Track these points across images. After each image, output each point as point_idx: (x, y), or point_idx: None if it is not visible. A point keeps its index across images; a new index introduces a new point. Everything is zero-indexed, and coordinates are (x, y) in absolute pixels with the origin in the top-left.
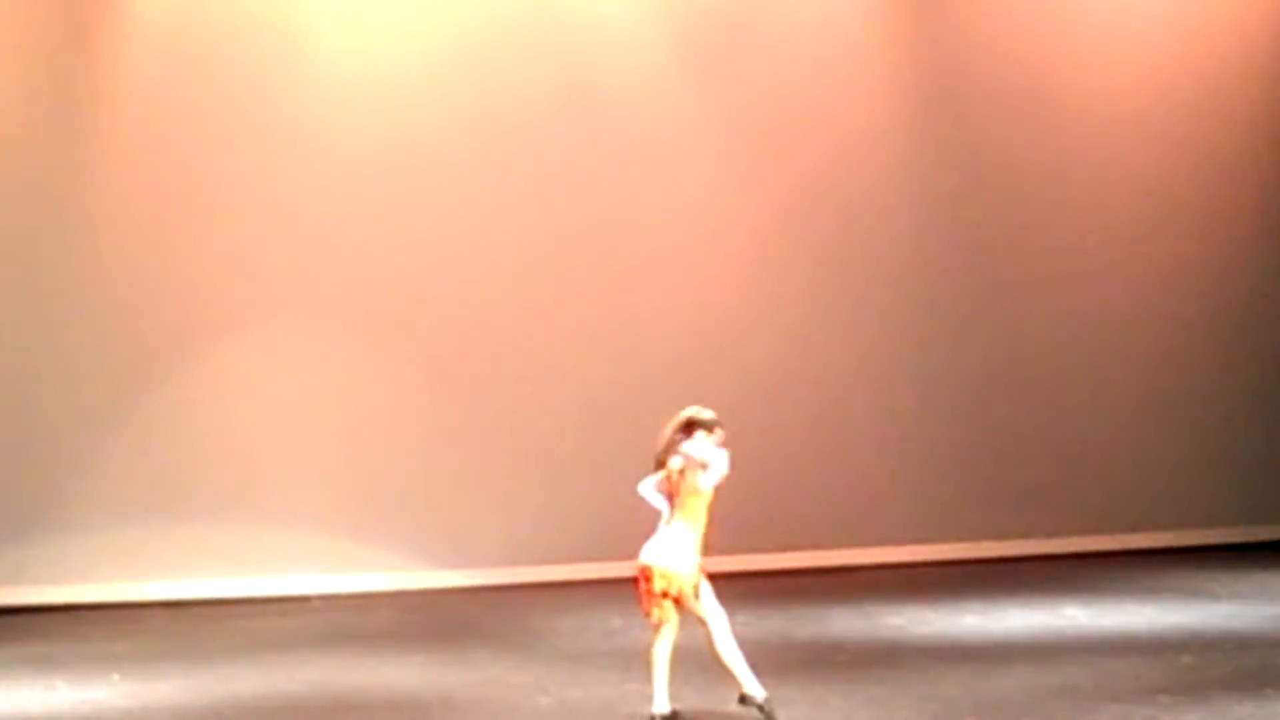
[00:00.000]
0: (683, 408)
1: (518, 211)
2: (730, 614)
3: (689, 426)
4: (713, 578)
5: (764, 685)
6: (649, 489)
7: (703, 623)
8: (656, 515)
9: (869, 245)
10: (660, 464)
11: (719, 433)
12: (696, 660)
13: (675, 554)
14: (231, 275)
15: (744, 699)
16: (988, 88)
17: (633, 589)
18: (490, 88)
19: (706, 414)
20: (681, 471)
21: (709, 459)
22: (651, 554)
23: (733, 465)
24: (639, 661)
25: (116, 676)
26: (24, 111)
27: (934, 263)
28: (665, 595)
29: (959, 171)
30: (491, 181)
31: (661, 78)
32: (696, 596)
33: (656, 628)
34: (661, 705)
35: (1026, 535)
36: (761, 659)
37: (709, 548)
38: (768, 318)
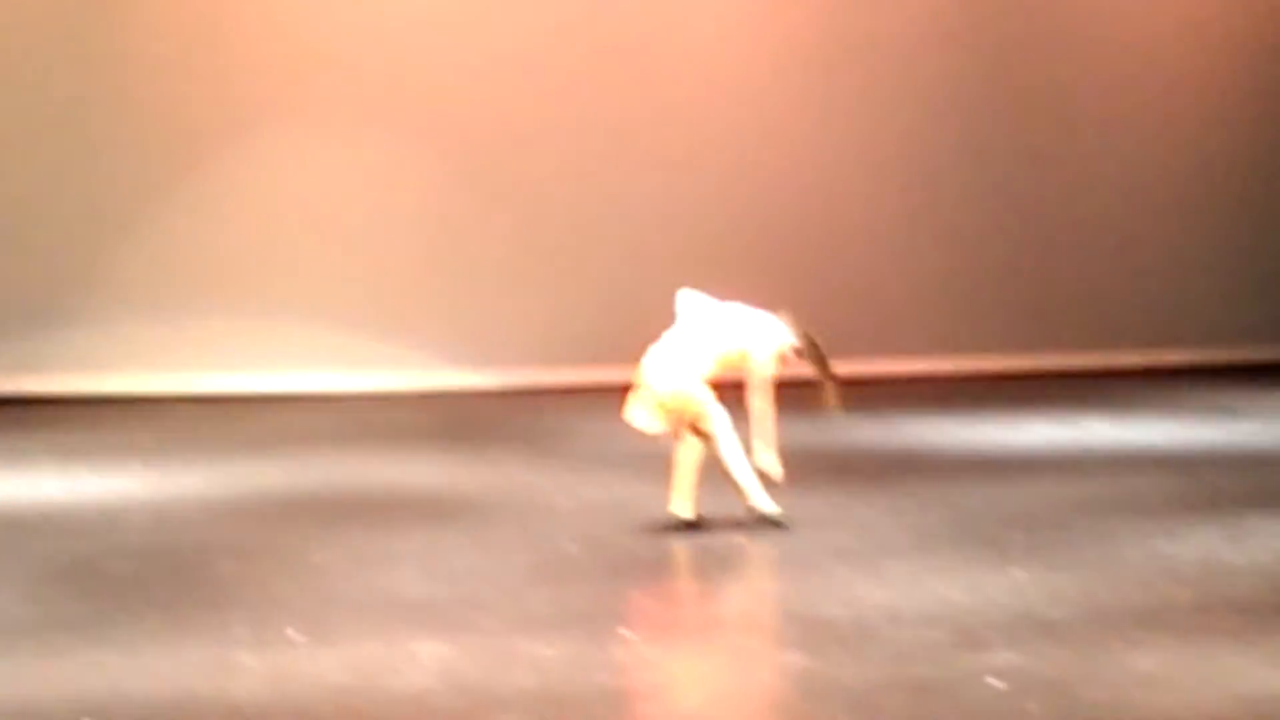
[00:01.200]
0: (706, 213)
1: (540, 8)
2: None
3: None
4: (737, 386)
5: (786, 493)
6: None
7: (709, 439)
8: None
9: (894, 56)
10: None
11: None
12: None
13: (680, 373)
14: (255, 72)
15: (751, 511)
16: None
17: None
18: None
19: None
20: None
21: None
22: (654, 373)
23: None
24: (659, 464)
25: (140, 467)
26: None
27: (960, 74)
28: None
29: None
30: None
31: None
32: (702, 421)
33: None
34: (682, 509)
35: (1051, 349)
36: (784, 467)
37: None
38: (792, 126)
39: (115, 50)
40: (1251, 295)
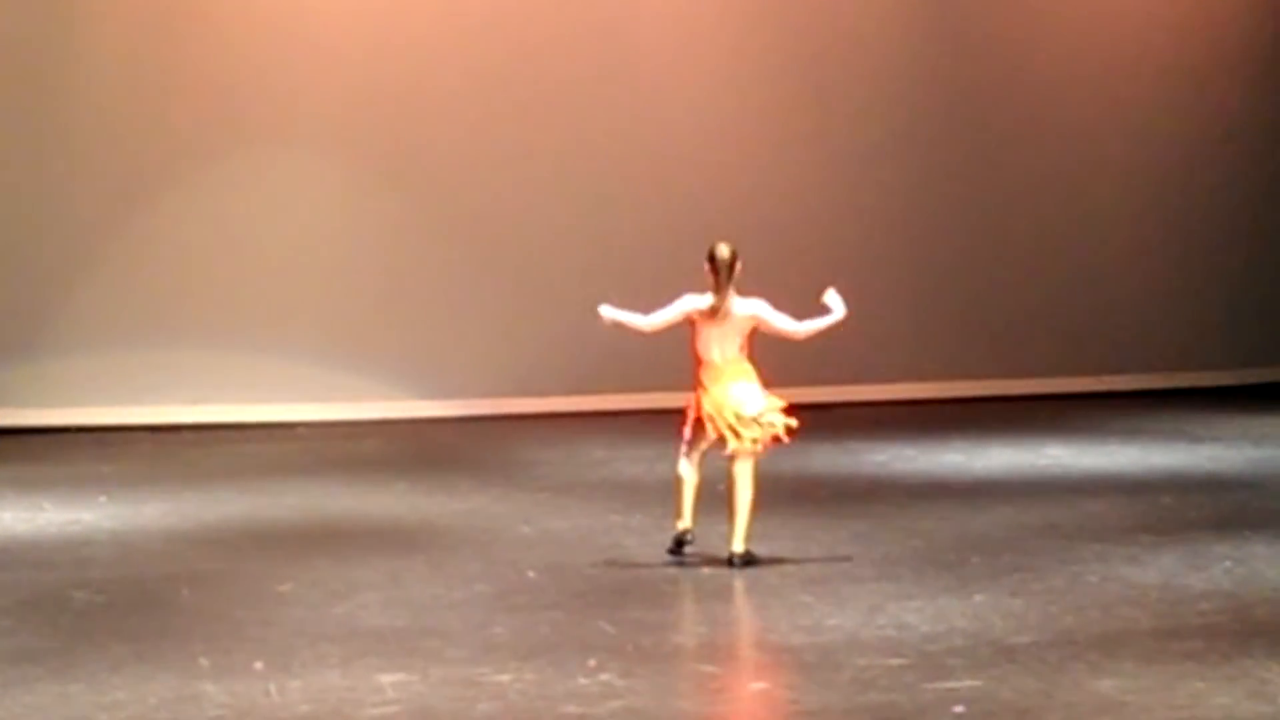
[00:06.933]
0: (667, 240)
1: (497, 38)
2: (713, 450)
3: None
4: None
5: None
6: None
7: (732, 459)
8: (651, 348)
9: (862, 77)
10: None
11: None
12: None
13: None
14: (224, 99)
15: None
16: None
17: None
18: None
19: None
20: (713, 313)
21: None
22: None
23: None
24: (622, 493)
25: (103, 498)
26: None
27: (926, 99)
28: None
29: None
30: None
31: None
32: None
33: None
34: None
35: (1009, 375)
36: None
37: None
38: (753, 156)
39: (67, 85)
40: (1208, 321)
